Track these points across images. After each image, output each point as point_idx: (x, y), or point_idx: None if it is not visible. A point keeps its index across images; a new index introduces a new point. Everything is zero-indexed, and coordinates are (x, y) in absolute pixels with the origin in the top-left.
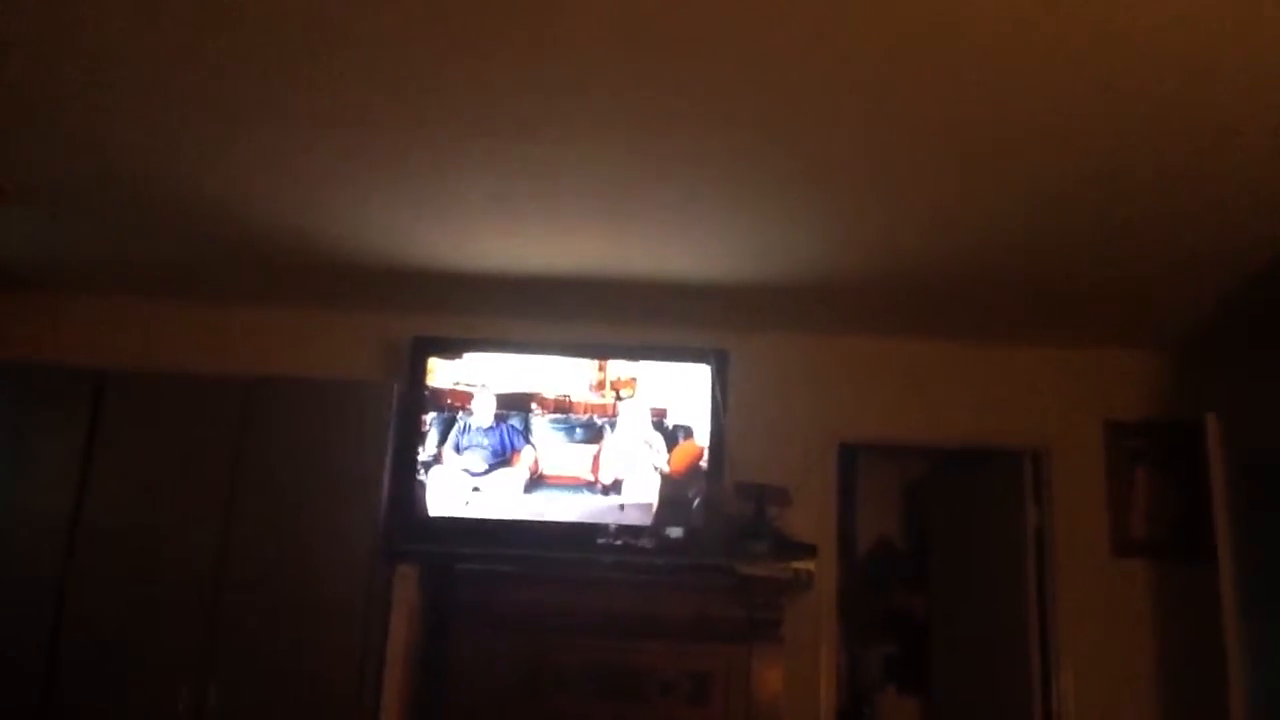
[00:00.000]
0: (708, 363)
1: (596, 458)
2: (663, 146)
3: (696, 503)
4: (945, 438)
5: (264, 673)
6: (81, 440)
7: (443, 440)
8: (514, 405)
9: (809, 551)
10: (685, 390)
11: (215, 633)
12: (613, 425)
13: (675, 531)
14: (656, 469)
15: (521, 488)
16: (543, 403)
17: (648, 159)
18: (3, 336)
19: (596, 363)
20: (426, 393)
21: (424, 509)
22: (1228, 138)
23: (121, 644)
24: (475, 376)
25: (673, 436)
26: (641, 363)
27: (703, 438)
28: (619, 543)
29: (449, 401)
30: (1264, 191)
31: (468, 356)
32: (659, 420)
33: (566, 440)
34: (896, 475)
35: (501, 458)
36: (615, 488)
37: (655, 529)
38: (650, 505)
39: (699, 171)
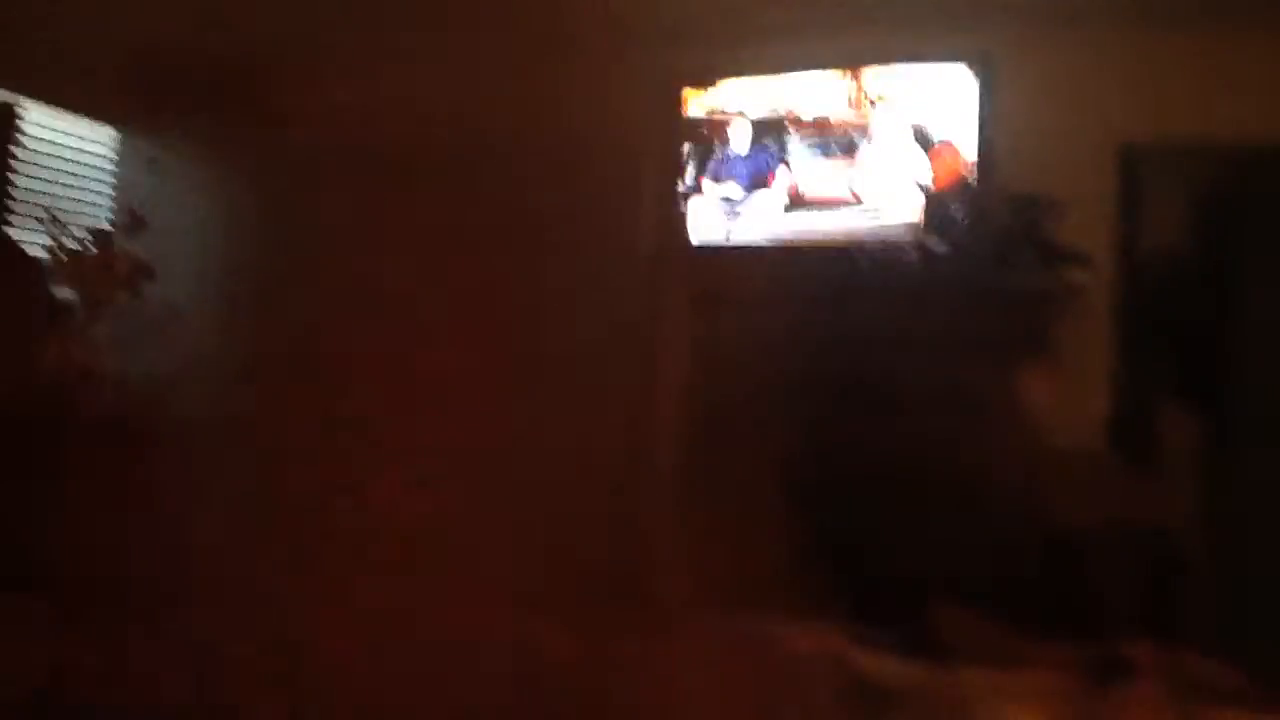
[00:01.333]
0: (971, 66)
1: (855, 175)
2: None
3: (962, 216)
4: (1252, 134)
5: None
6: None
7: (700, 170)
8: (769, 130)
9: (1081, 260)
10: (947, 99)
11: None
12: (871, 141)
13: (940, 247)
14: (918, 183)
15: (780, 209)
16: (798, 124)
17: None
18: None
19: (851, 76)
20: (682, 124)
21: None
22: None
23: None
24: (730, 104)
25: (935, 149)
26: (899, 70)
27: (967, 148)
28: (882, 259)
29: (704, 131)
30: None
31: (721, 84)
32: (920, 132)
33: (824, 159)
34: (1184, 183)
35: (759, 181)
36: (876, 204)
37: (919, 244)
38: (913, 221)
39: None
